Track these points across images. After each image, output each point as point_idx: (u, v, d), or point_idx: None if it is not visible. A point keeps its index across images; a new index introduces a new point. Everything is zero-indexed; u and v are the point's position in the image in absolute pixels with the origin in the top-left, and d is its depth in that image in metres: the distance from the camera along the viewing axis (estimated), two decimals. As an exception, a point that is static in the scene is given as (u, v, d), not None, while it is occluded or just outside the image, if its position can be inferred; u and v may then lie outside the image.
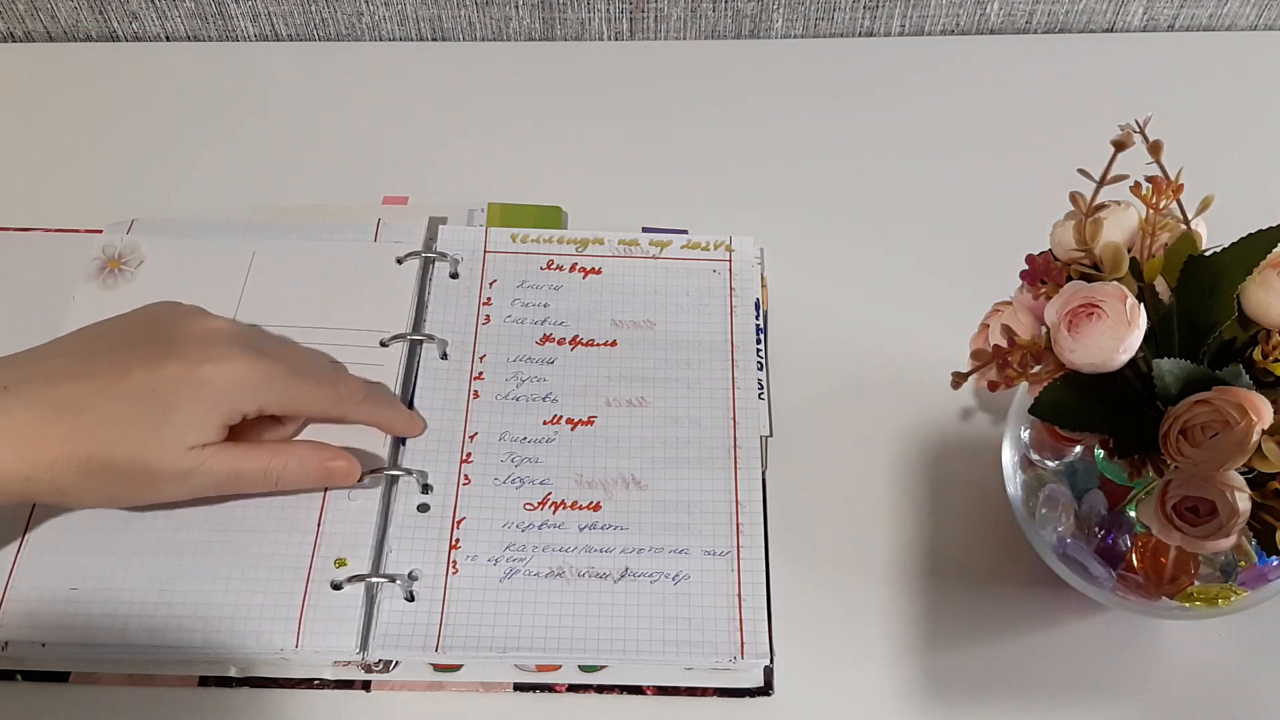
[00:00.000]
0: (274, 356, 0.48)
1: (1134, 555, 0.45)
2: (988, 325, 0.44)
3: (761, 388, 0.55)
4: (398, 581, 0.48)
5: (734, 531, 0.50)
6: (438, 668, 0.48)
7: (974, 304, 0.46)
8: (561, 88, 0.69)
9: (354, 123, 0.67)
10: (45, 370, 0.44)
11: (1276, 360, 0.38)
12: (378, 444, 0.52)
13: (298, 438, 0.51)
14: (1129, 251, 0.41)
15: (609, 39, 0.72)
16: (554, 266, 0.59)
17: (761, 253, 0.61)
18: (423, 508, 0.51)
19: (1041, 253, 0.43)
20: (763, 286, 0.59)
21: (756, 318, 0.57)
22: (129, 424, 0.44)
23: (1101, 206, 0.41)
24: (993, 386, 0.41)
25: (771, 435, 0.55)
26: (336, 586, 0.48)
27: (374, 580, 0.48)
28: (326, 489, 0.50)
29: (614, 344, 0.56)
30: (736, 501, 0.51)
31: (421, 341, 0.55)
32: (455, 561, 0.49)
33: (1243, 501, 0.37)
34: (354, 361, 0.54)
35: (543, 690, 0.48)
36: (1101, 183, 0.40)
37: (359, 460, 0.51)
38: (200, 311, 0.49)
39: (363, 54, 0.71)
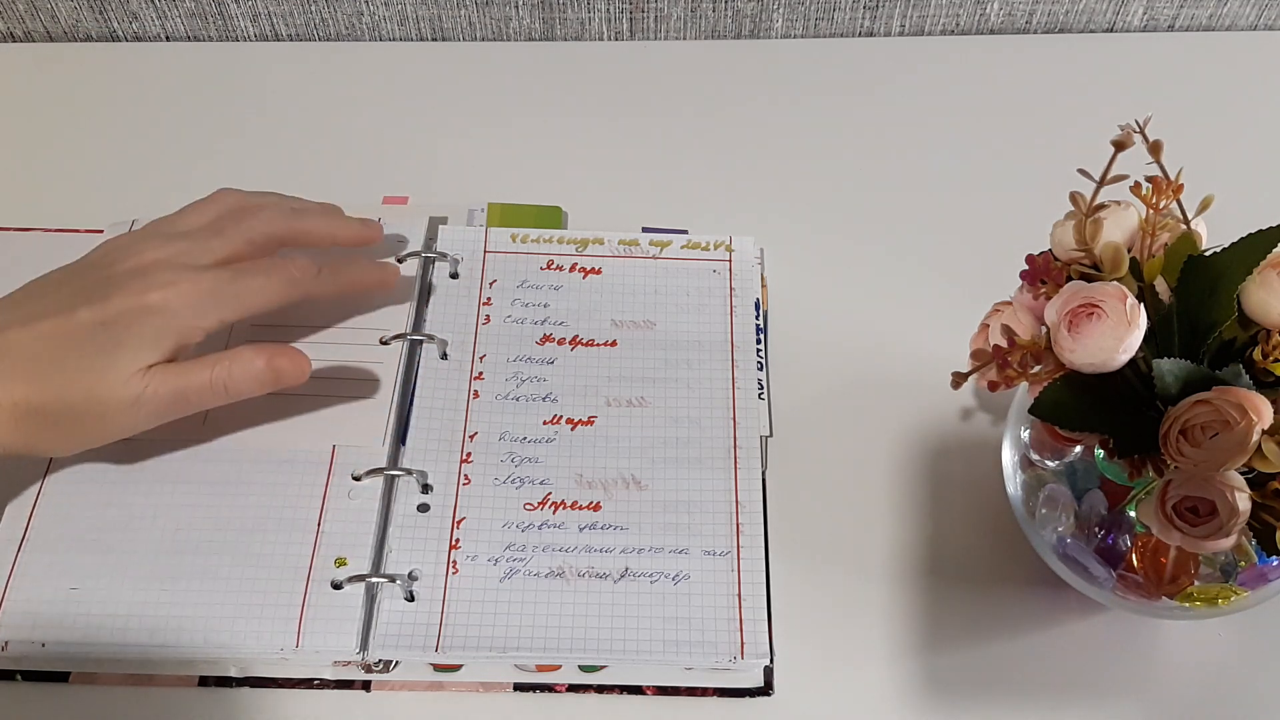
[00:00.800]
0: (215, 268, 0.47)
1: (1134, 555, 0.45)
2: (988, 325, 0.44)
3: (761, 388, 0.55)
4: (398, 581, 0.48)
5: (734, 531, 0.50)
6: (438, 668, 0.48)
7: (974, 304, 0.46)
8: (561, 88, 0.69)
9: (354, 123, 0.67)
10: None
11: (1276, 360, 0.38)
12: (378, 444, 0.52)
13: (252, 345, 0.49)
14: (1129, 251, 0.41)
15: (609, 39, 0.72)
16: (554, 266, 0.59)
17: (761, 253, 0.61)
18: (423, 508, 0.51)
19: (1041, 253, 0.43)
20: (763, 286, 0.59)
21: (756, 318, 0.57)
22: (79, 360, 0.44)
23: (1101, 206, 0.41)
24: (993, 386, 0.41)
25: (771, 435, 0.55)
26: (337, 586, 0.48)
27: (374, 580, 0.48)
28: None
29: (614, 344, 0.56)
30: (736, 501, 0.51)
31: (421, 341, 0.55)
32: (455, 561, 0.49)
33: (1243, 501, 0.37)
34: (354, 360, 0.54)
35: (543, 690, 0.48)
36: (1101, 183, 0.40)
37: (358, 460, 0.51)
38: (138, 241, 0.49)
39: (363, 54, 0.71)
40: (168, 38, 0.72)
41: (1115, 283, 0.39)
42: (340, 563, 0.48)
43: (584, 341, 0.56)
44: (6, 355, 0.44)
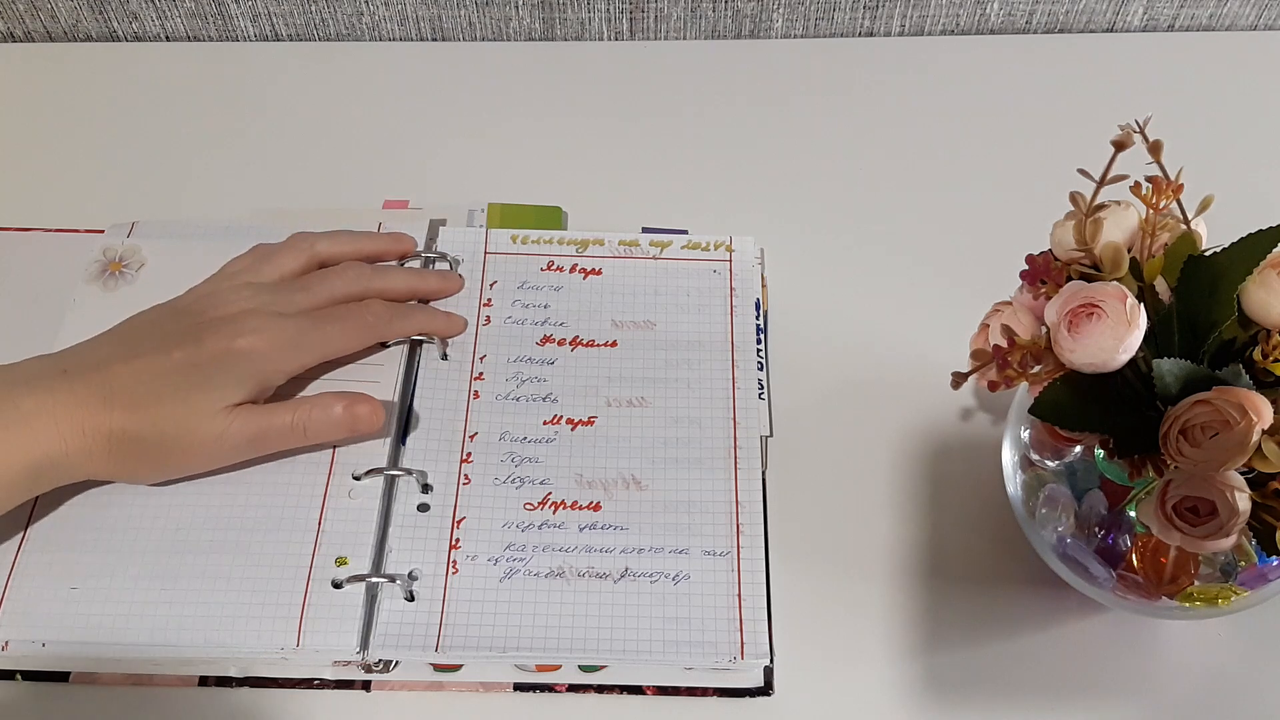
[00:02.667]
0: (298, 315, 0.51)
1: (1134, 555, 0.45)
2: (988, 325, 0.44)
3: (761, 388, 0.55)
4: (398, 581, 0.48)
5: (734, 531, 0.50)
6: (438, 668, 0.48)
7: (974, 304, 0.46)
8: (561, 88, 0.69)
9: (354, 123, 0.67)
10: (98, 358, 0.48)
11: (1276, 360, 0.38)
12: (378, 443, 0.52)
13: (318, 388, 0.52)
14: (1129, 251, 0.41)
15: (609, 39, 0.72)
16: (554, 267, 0.59)
17: (762, 253, 0.61)
18: (423, 507, 0.51)
19: (1041, 253, 0.43)
20: (763, 286, 0.59)
21: (756, 318, 0.57)
22: (172, 394, 0.47)
23: (1101, 206, 0.41)
24: (993, 386, 0.41)
25: (771, 435, 0.55)
26: (337, 585, 0.48)
27: (374, 580, 0.48)
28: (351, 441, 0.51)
29: (614, 344, 0.56)
30: (736, 501, 0.51)
31: (422, 342, 0.55)
32: (455, 561, 0.49)
33: (1243, 501, 0.37)
34: (354, 361, 0.54)
35: (543, 690, 0.48)
36: (1101, 183, 0.40)
37: (359, 459, 0.51)
38: (229, 290, 0.52)
39: (363, 54, 0.71)
40: (168, 38, 0.72)
41: (1115, 283, 0.39)
42: (341, 562, 0.48)
43: (584, 342, 0.56)
44: (110, 388, 0.47)
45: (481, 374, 0.55)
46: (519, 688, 0.48)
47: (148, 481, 0.50)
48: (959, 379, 0.43)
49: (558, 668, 0.48)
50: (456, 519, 0.50)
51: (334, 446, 0.51)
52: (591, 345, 0.56)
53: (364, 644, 0.47)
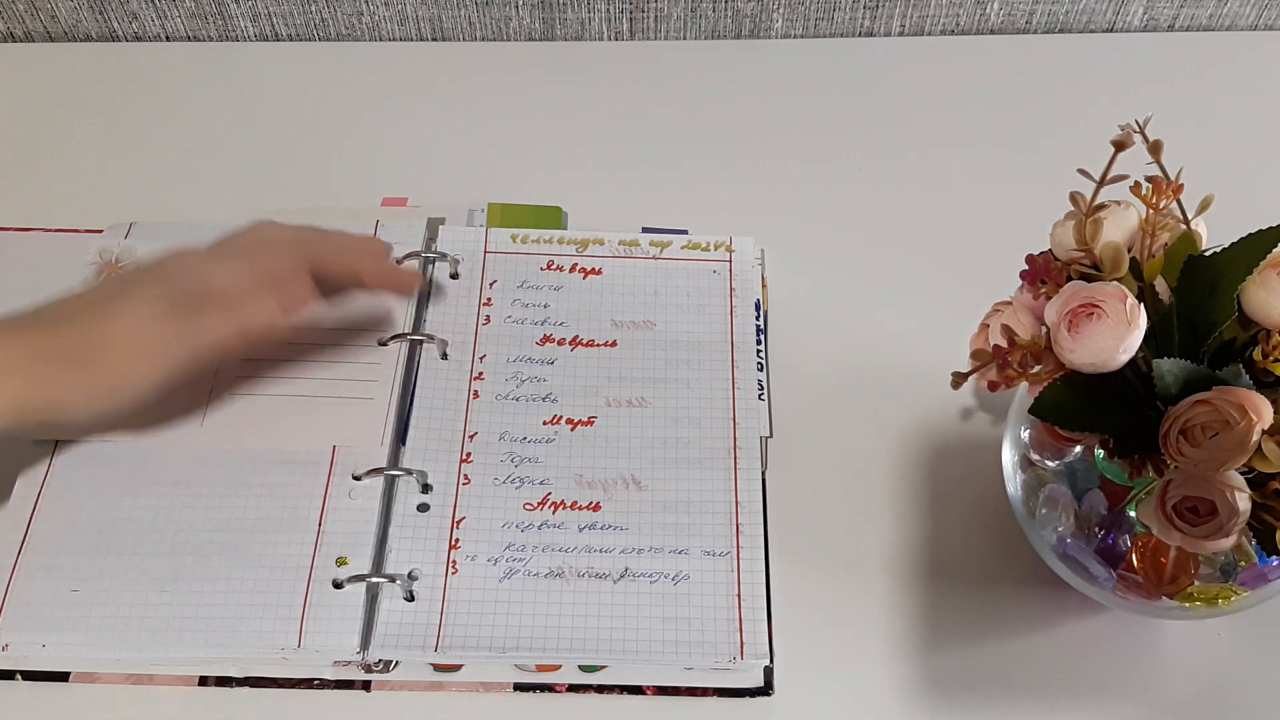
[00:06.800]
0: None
1: (1134, 555, 0.45)
2: (988, 325, 0.44)
3: (761, 388, 0.55)
4: (398, 581, 0.48)
5: (734, 532, 0.50)
6: (438, 668, 0.48)
7: (974, 304, 0.46)
8: (561, 88, 0.69)
9: (354, 123, 0.67)
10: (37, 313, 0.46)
11: (1276, 360, 0.38)
12: (378, 444, 0.52)
13: None
14: (1129, 251, 0.41)
15: (609, 39, 0.72)
16: (554, 267, 0.59)
17: (762, 253, 0.61)
18: (422, 507, 0.51)
19: (1041, 253, 0.43)
20: (763, 287, 0.59)
21: (757, 318, 0.57)
22: (92, 307, 0.46)
23: (1101, 206, 0.41)
24: (993, 386, 0.41)
25: (771, 435, 0.55)
26: (338, 585, 0.48)
27: (374, 580, 0.48)
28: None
29: (614, 344, 0.56)
30: (736, 502, 0.51)
31: (421, 341, 0.55)
32: (455, 561, 0.49)
33: (1243, 501, 0.37)
34: (353, 361, 0.54)
35: (543, 690, 0.48)
36: (1101, 183, 0.40)
37: (359, 460, 0.51)
38: (208, 261, 0.49)
39: (363, 54, 0.71)
40: (168, 38, 0.72)
41: (1115, 283, 0.39)
42: (341, 562, 0.48)
43: (584, 342, 0.56)
44: (39, 317, 0.46)
45: (481, 374, 0.55)
46: (519, 688, 0.48)
47: (91, 409, 0.46)
48: (959, 379, 0.43)
49: (558, 668, 0.48)
50: (456, 519, 0.50)
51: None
52: (591, 345, 0.56)
53: (364, 644, 0.47)
